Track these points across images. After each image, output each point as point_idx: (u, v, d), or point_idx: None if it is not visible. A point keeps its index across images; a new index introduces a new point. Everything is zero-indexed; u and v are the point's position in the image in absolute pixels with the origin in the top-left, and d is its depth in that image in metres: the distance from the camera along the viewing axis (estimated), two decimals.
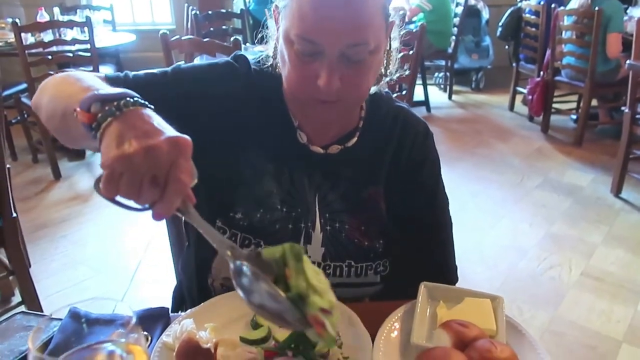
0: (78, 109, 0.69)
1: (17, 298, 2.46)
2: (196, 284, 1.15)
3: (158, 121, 0.66)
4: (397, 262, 1.10)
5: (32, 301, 2.25)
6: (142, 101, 0.69)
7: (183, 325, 0.85)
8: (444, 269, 1.15)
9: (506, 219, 3.41)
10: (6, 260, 2.22)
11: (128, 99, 0.67)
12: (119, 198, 0.64)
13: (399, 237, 1.09)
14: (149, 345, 0.88)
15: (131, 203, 0.65)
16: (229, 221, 1.04)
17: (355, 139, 1.07)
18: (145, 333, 0.91)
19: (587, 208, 3.52)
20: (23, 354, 0.80)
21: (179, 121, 0.70)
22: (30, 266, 2.81)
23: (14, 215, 2.14)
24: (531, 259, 2.94)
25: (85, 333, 0.78)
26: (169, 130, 0.65)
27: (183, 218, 0.70)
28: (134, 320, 0.55)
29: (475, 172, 4.09)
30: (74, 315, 0.83)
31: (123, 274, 2.81)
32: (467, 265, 2.61)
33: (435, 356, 0.72)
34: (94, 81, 0.82)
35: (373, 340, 0.86)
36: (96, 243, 3.14)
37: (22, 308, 2.27)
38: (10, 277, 2.29)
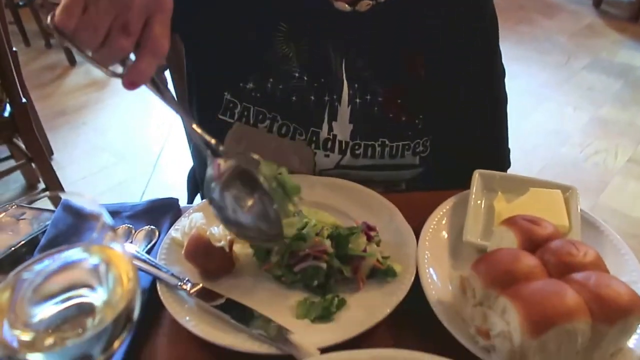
0: None
1: (43, 185, 2.44)
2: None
3: None
4: (439, 141, 0.94)
5: (55, 188, 2.23)
6: None
7: (192, 220, 0.72)
8: (496, 152, 1.00)
9: (549, 102, 3.15)
10: (24, 147, 2.16)
11: None
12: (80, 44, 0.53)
13: (443, 113, 0.92)
14: (156, 241, 0.77)
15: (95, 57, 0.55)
16: (239, 92, 0.88)
17: None
18: (153, 227, 0.80)
19: (639, 90, 3.21)
20: (10, 251, 0.70)
21: None
22: (52, 154, 2.78)
23: (24, 100, 2.03)
24: (574, 145, 2.75)
25: (82, 228, 0.68)
26: None
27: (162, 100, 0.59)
28: (104, 218, 0.41)
29: (516, 51, 3.73)
30: (68, 208, 0.71)
31: (147, 159, 2.74)
32: None
33: (501, 260, 0.58)
34: None
35: (417, 237, 0.73)
36: (117, 129, 3.06)
37: (47, 195, 2.26)
38: (34, 165, 2.25)
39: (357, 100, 0.89)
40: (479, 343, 0.57)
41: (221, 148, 0.62)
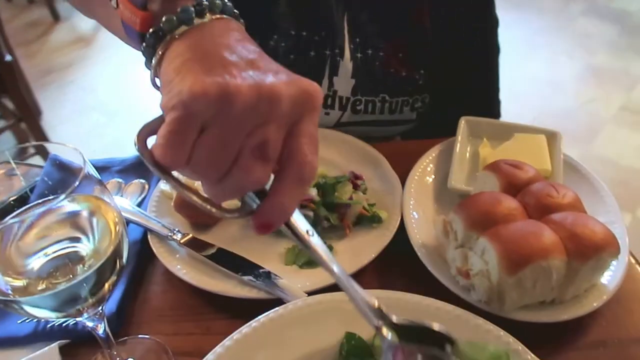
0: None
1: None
2: None
3: (260, 49, 0.39)
4: (437, 95, 0.94)
5: (45, 149, 2.22)
6: (235, 11, 0.41)
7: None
8: (487, 103, 0.99)
9: (543, 50, 3.11)
10: (13, 107, 2.14)
11: (217, 1, 0.39)
12: (181, 177, 0.37)
13: (444, 65, 0.91)
14: (146, 194, 0.78)
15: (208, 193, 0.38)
16: None
17: None
18: (142, 181, 0.80)
19: (635, 37, 3.17)
20: (2, 206, 0.71)
21: None
22: (41, 113, 2.75)
23: (9, 58, 1.99)
24: (567, 93, 2.74)
25: (71, 182, 0.69)
26: (285, 70, 0.38)
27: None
28: (87, 168, 0.42)
29: None
30: (56, 163, 0.72)
31: (138, 117, 2.71)
32: None
33: (482, 202, 0.60)
34: None
35: (403, 184, 0.74)
36: (107, 87, 3.02)
37: (38, 155, 2.26)
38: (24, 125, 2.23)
39: (359, 55, 0.87)
40: (460, 283, 0.59)
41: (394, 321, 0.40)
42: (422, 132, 0.96)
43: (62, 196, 0.39)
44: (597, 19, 3.36)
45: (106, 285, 0.42)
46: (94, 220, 0.45)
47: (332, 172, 0.77)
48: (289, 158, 0.35)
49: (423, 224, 0.68)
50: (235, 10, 0.41)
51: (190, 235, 0.68)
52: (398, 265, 0.65)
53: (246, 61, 0.36)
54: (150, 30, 0.38)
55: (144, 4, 0.40)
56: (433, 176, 0.77)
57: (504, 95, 1.03)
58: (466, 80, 0.95)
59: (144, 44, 0.39)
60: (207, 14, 0.38)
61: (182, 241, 0.67)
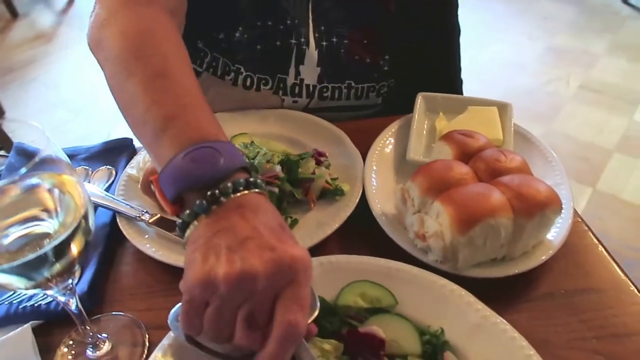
0: (156, 186, 0.50)
1: None
2: None
3: (266, 219, 0.45)
4: (400, 79, 0.96)
5: (9, 148, 2.18)
6: (254, 179, 0.47)
7: (146, 155, 0.74)
8: (449, 82, 1.02)
9: (505, 33, 3.19)
10: None
11: (228, 184, 0.45)
12: (204, 340, 0.46)
13: (408, 50, 0.93)
14: (114, 180, 0.79)
15: (223, 348, 0.47)
16: (211, 42, 0.87)
17: None
18: (109, 167, 0.81)
19: (593, 17, 3.28)
20: None
21: None
22: (4, 113, 2.69)
23: None
24: (530, 74, 2.82)
25: (39, 165, 0.69)
26: (278, 238, 0.44)
27: None
28: (50, 145, 0.43)
29: None
30: (22, 152, 0.72)
31: (104, 111, 2.68)
32: None
33: (436, 169, 0.63)
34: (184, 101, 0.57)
35: (365, 159, 0.77)
36: (70, 83, 2.96)
37: (3, 152, 2.21)
38: None
39: (324, 44, 0.88)
40: (418, 246, 0.63)
41: None
42: (386, 113, 0.99)
43: (24, 169, 0.41)
44: (557, 1, 3.46)
45: (73, 248, 0.44)
46: (59, 196, 0.46)
47: (297, 150, 0.80)
48: (274, 320, 0.42)
49: (383, 194, 0.71)
50: (251, 178, 0.47)
51: (158, 215, 0.70)
52: (361, 234, 0.68)
53: (239, 241, 0.43)
54: (179, 220, 0.47)
55: (173, 198, 0.47)
56: (393, 150, 0.80)
57: (469, 77, 1.06)
58: (429, 62, 0.98)
59: (177, 230, 0.48)
60: (222, 199, 0.45)
61: (150, 221, 0.69)
